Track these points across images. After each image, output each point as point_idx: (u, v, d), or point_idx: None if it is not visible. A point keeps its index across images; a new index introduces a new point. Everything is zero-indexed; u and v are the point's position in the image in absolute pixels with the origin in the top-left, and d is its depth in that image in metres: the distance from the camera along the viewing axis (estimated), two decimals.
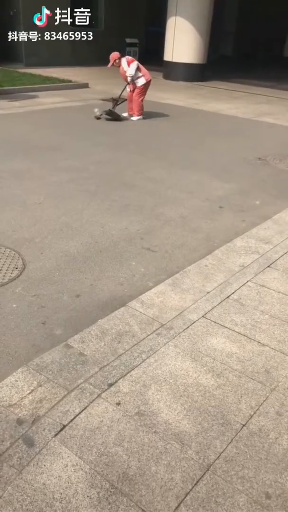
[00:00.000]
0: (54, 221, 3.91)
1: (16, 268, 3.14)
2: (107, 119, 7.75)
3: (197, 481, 1.69)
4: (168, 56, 13.11)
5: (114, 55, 7.65)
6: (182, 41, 12.58)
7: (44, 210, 4.13)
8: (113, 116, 7.81)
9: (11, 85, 9.92)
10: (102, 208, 4.26)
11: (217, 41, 16.53)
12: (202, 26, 12.48)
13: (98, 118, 7.82)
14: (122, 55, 7.81)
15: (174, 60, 12.94)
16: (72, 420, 1.91)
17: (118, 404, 2.00)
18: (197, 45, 12.68)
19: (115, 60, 7.64)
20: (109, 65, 7.71)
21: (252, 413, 2.00)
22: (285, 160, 6.11)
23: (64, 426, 1.87)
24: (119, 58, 7.64)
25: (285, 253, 3.46)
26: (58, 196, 4.47)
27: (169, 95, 10.55)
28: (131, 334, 2.44)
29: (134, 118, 8.01)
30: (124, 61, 7.61)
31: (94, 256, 3.39)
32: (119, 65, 7.66)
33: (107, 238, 3.68)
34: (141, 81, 7.71)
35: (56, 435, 1.83)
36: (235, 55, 19.58)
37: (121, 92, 7.97)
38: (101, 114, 7.79)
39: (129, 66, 7.57)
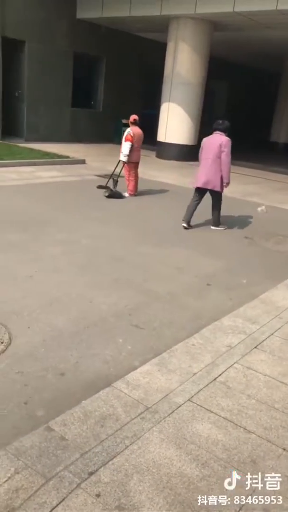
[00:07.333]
0: (44, 295, 3.94)
1: (2, 343, 3.11)
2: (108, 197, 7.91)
3: None
4: (161, 137, 13.93)
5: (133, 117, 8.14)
6: (175, 124, 13.47)
7: (35, 283, 4.17)
8: (116, 196, 7.97)
9: (11, 159, 10.37)
10: (92, 282, 4.31)
11: (207, 127, 17.84)
12: (193, 111, 13.46)
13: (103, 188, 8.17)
14: (135, 122, 8.14)
15: (166, 141, 13.74)
16: None
17: (98, 495, 1.91)
18: (188, 128, 13.56)
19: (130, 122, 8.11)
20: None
21: (237, 509, 1.91)
22: (271, 239, 6.32)
23: None
24: (132, 123, 8.08)
25: (272, 333, 3.48)
26: (49, 270, 4.53)
27: (161, 173, 11.06)
28: (115, 417, 2.38)
29: (126, 195, 8.30)
30: (128, 131, 8.02)
31: (81, 331, 3.38)
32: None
33: (95, 313, 3.70)
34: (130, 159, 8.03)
35: None
36: None
37: (114, 169, 8.34)
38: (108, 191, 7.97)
39: (125, 141, 7.91)
